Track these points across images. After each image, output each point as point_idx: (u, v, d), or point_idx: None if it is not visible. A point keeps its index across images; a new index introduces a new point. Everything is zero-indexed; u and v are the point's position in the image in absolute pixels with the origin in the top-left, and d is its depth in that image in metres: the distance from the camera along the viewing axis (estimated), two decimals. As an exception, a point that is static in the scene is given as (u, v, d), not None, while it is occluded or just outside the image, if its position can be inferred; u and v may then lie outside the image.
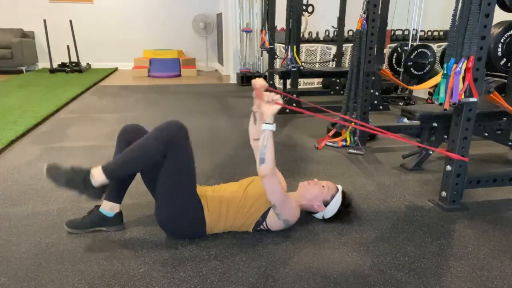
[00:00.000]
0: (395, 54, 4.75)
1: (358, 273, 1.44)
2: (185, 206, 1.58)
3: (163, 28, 8.25)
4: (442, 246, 1.63)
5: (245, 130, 3.42)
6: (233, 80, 6.68)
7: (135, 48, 8.09)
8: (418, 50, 4.15)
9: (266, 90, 1.57)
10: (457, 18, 1.75)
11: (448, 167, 1.95)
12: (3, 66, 6.87)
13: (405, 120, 3.27)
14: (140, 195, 2.01)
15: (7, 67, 6.90)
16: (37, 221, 1.78)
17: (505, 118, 2.51)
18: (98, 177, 1.48)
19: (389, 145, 3.09)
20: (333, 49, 5.73)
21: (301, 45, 4.94)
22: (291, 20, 4.17)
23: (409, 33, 5.55)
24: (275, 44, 5.30)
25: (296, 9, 4.09)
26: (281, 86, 5.30)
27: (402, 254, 1.57)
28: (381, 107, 4.29)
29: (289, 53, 4.20)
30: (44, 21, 7.01)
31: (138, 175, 1.69)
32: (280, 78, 4.95)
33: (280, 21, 5.15)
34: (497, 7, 1.90)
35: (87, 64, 7.84)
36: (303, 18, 4.79)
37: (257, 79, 1.60)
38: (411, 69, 4.19)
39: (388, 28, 4.42)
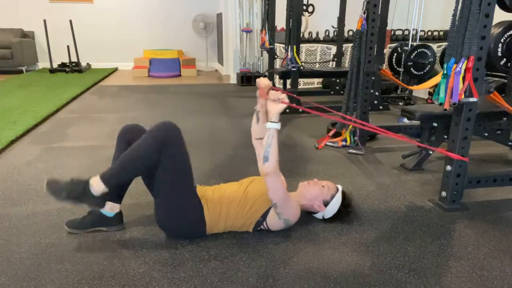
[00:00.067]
0: (395, 54, 4.75)
1: (358, 273, 1.44)
2: (184, 206, 1.58)
3: (163, 28, 8.25)
4: (442, 246, 1.63)
5: (245, 130, 3.44)
6: (233, 80, 6.68)
7: (135, 48, 8.09)
8: (418, 50, 4.15)
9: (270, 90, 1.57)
10: (457, 18, 1.75)
11: (448, 167, 1.95)
12: (3, 66, 6.87)
13: (405, 120, 3.27)
14: (140, 195, 2.01)
15: (7, 67, 6.90)
16: (37, 221, 1.78)
17: (505, 118, 2.51)
18: (97, 186, 1.51)
19: (389, 145, 3.09)
20: (333, 49, 5.73)
21: (301, 45, 4.94)
22: (291, 20, 4.17)
23: (409, 33, 5.55)
24: (275, 44, 5.30)
25: (296, 9, 4.10)
26: (281, 86, 5.30)
27: (402, 254, 1.57)
28: (381, 107, 4.29)
29: (289, 53, 4.20)
30: (44, 21, 7.01)
31: (138, 175, 1.69)
32: (280, 78, 4.95)
33: (280, 21, 5.15)
34: (497, 7, 1.90)
35: (87, 64, 7.84)
36: (303, 18, 4.79)
37: (261, 78, 1.62)
38: (411, 69, 4.19)
39: (388, 28, 4.42)
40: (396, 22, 5.30)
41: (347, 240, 1.67)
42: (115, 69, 8.13)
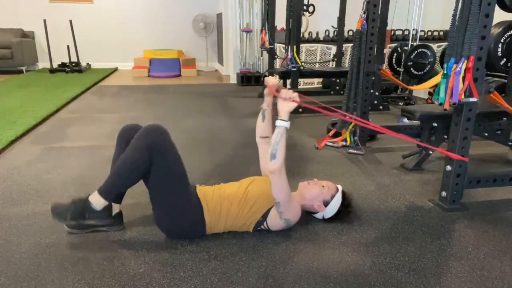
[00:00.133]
0: (395, 54, 4.75)
1: (358, 273, 1.44)
2: (183, 206, 1.58)
3: (163, 28, 8.25)
4: (442, 246, 1.63)
5: (245, 130, 3.44)
6: (233, 80, 6.68)
7: (135, 48, 8.09)
8: (418, 50, 4.15)
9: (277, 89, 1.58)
10: (457, 18, 1.75)
11: (448, 167, 1.95)
12: (3, 66, 6.87)
13: (405, 120, 3.27)
14: (140, 195, 2.01)
15: (7, 67, 6.90)
16: (37, 221, 1.78)
17: (505, 118, 2.51)
18: (97, 202, 1.56)
19: (389, 145, 3.09)
20: (333, 49, 5.73)
21: (301, 45, 4.94)
22: (291, 20, 4.18)
23: (409, 33, 5.55)
24: (275, 44, 5.30)
25: (296, 9, 4.10)
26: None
27: (402, 254, 1.57)
28: (381, 107, 4.28)
29: (289, 53, 4.21)
30: (44, 21, 7.01)
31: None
32: (280, 78, 4.95)
33: (280, 21, 5.16)
34: (497, 7, 1.90)
35: (87, 64, 7.84)
36: (304, 18, 4.79)
37: (270, 77, 1.63)
38: (411, 69, 4.19)
39: (388, 28, 4.42)
40: (396, 22, 5.30)
41: (347, 240, 1.67)
42: (115, 69, 8.14)
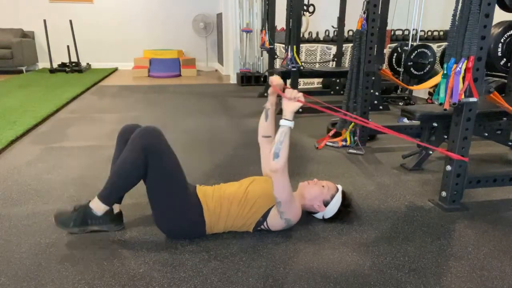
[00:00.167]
0: (395, 54, 4.75)
1: (358, 273, 1.44)
2: (183, 206, 1.58)
3: (163, 28, 8.25)
4: (442, 246, 1.63)
5: (245, 130, 3.44)
6: (233, 80, 6.68)
7: (135, 48, 8.09)
8: (418, 50, 4.15)
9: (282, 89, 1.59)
10: (457, 18, 1.75)
11: (448, 167, 1.95)
12: (3, 66, 6.87)
13: (405, 120, 3.27)
14: (140, 195, 2.01)
15: (7, 67, 6.90)
16: (37, 221, 1.78)
17: (505, 118, 2.51)
18: (98, 207, 1.58)
19: (389, 145, 3.09)
20: (333, 49, 5.73)
21: (301, 45, 4.94)
22: (291, 20, 4.17)
23: (409, 33, 5.55)
24: (275, 44, 5.30)
25: (296, 9, 4.09)
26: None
27: (402, 254, 1.57)
28: (381, 107, 4.29)
29: (289, 53, 4.20)
30: (44, 21, 7.01)
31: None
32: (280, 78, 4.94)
33: (280, 21, 5.16)
34: (497, 7, 1.90)
35: (87, 64, 7.84)
36: (304, 18, 4.79)
37: (274, 76, 1.65)
38: (411, 69, 4.19)
39: (388, 28, 4.42)
40: (396, 22, 5.30)
41: (347, 240, 1.67)
42: (115, 69, 8.14)
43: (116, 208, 1.69)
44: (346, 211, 1.79)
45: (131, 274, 1.41)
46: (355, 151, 2.87)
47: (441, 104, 1.82)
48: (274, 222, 1.64)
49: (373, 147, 3.03)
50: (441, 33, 6.19)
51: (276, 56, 5.32)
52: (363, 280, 1.40)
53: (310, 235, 1.70)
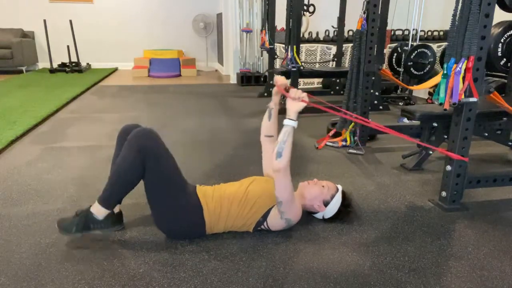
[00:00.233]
0: (395, 54, 4.75)
1: (358, 273, 1.44)
2: (181, 208, 1.58)
3: (163, 28, 8.25)
4: (442, 246, 1.63)
5: (245, 130, 3.44)
6: (233, 80, 6.68)
7: (135, 48, 8.09)
8: (418, 50, 4.15)
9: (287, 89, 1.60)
10: (457, 18, 1.75)
11: (448, 167, 1.95)
12: (3, 66, 6.87)
13: (405, 120, 3.27)
14: (140, 195, 2.00)
15: (7, 67, 6.90)
16: (37, 221, 1.78)
17: (505, 118, 2.51)
18: (99, 212, 1.58)
19: (389, 145, 3.09)
20: (333, 49, 5.73)
21: (301, 45, 4.94)
22: (291, 20, 4.17)
23: (409, 33, 5.55)
24: (275, 44, 5.30)
25: (296, 9, 4.09)
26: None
27: (402, 254, 1.57)
28: (381, 107, 4.29)
29: (289, 53, 4.20)
30: (44, 21, 7.01)
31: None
32: (280, 78, 4.94)
33: (280, 21, 5.15)
34: (497, 7, 1.90)
35: (87, 64, 7.84)
36: (304, 18, 4.79)
37: (279, 76, 1.65)
38: (411, 69, 4.19)
39: (388, 28, 4.42)
40: (396, 22, 5.30)
41: (347, 240, 1.67)
42: (115, 69, 8.14)
43: (116, 208, 1.69)
44: (346, 211, 1.79)
45: (131, 274, 1.41)
46: (355, 151, 2.87)
47: (441, 104, 1.82)
48: (275, 222, 1.64)
49: (373, 147, 3.03)
50: (441, 33, 6.19)
51: (276, 56, 5.32)
52: (363, 280, 1.40)
53: (310, 235, 1.70)
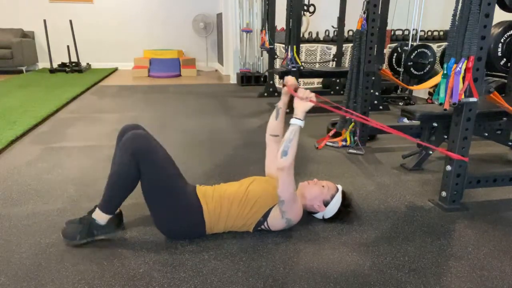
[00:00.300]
0: (395, 54, 4.75)
1: (358, 273, 1.44)
2: (180, 208, 1.58)
3: (163, 28, 8.25)
4: (442, 246, 1.63)
5: (245, 130, 3.44)
6: (233, 80, 6.68)
7: (135, 48, 8.09)
8: (418, 50, 4.15)
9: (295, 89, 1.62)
10: (457, 18, 1.75)
11: (448, 167, 1.95)
12: (3, 66, 6.87)
13: (405, 120, 3.27)
14: (140, 195, 1.99)
15: (7, 67, 6.90)
16: (37, 221, 1.78)
17: (505, 118, 2.51)
18: (101, 217, 1.58)
19: (389, 145, 3.09)
20: (333, 49, 5.74)
21: (301, 45, 4.94)
22: (291, 20, 4.17)
23: (409, 33, 5.55)
24: (275, 44, 5.30)
25: (296, 9, 4.09)
26: (281, 86, 5.30)
27: (402, 254, 1.57)
28: (381, 107, 4.29)
29: (289, 53, 4.20)
30: (44, 21, 7.01)
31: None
32: (280, 78, 4.95)
33: (280, 21, 5.15)
34: (497, 7, 1.90)
35: (87, 64, 7.84)
36: (304, 18, 4.79)
37: (289, 77, 1.68)
38: (411, 69, 4.19)
39: (388, 28, 4.42)
40: (396, 22, 5.30)
41: (347, 240, 1.67)
42: (115, 69, 8.13)
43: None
44: (346, 211, 1.79)
45: (131, 274, 1.41)
46: (355, 151, 2.87)
47: (441, 104, 1.82)
48: (275, 222, 1.64)
49: (373, 147, 3.03)
50: (441, 33, 6.19)
51: (276, 56, 5.32)
52: (363, 280, 1.40)
53: (310, 235, 1.70)
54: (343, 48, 5.35)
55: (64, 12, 7.72)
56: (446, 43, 1.87)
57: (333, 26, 5.64)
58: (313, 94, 1.55)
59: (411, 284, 1.38)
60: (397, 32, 6.05)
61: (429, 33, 6.18)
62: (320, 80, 5.99)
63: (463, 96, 1.76)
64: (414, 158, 2.58)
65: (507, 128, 2.76)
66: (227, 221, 1.63)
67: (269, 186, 1.67)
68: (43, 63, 7.80)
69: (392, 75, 2.94)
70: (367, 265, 1.48)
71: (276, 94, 5.20)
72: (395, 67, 4.78)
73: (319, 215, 1.79)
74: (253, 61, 6.43)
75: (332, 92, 5.27)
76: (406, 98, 4.79)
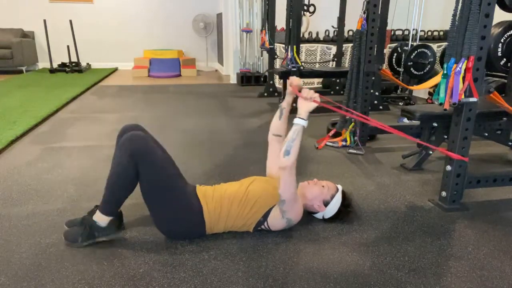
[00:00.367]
0: (395, 54, 4.75)
1: (358, 273, 1.44)
2: (179, 208, 1.58)
3: (163, 28, 8.25)
4: (442, 246, 1.63)
5: (245, 130, 3.44)
6: (233, 80, 6.68)
7: (135, 48, 8.09)
8: (418, 50, 4.15)
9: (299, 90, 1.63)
10: (457, 18, 1.75)
11: (448, 167, 1.95)
12: (3, 66, 6.87)
13: (405, 120, 3.27)
14: (140, 195, 2.00)
15: (7, 67, 6.90)
16: (37, 221, 1.78)
17: (505, 118, 2.51)
18: (102, 219, 1.58)
19: (389, 145, 3.09)
20: (333, 49, 5.74)
21: (301, 45, 4.94)
22: (291, 20, 4.17)
23: (409, 33, 5.55)
24: (275, 44, 5.30)
25: (296, 9, 4.09)
26: (281, 86, 5.31)
27: (402, 254, 1.57)
28: (381, 107, 4.29)
29: (289, 53, 4.20)
30: (44, 21, 7.01)
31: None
32: (280, 78, 4.95)
33: (280, 21, 5.15)
34: (497, 7, 1.90)
35: (87, 64, 7.84)
36: (304, 18, 4.79)
37: (294, 77, 1.69)
38: (411, 69, 4.19)
39: (388, 28, 4.41)
40: (396, 22, 5.30)
41: (347, 240, 1.67)
42: (115, 69, 8.13)
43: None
44: (346, 211, 1.79)
45: (131, 274, 1.41)
46: (355, 151, 2.87)
47: (441, 104, 1.82)
48: (275, 222, 1.64)
49: (373, 147, 3.03)
50: (441, 33, 6.19)
51: (276, 56, 5.32)
52: (363, 280, 1.40)
53: (310, 235, 1.70)
54: (343, 48, 5.34)
55: (64, 12, 7.72)
56: (446, 43, 1.87)
57: (333, 26, 5.64)
58: (317, 95, 1.56)
59: (411, 284, 1.38)
60: (397, 32, 6.05)
61: (429, 33, 6.18)
62: (320, 80, 5.99)
63: (463, 96, 1.76)
64: (414, 158, 2.58)
65: (507, 128, 2.75)
66: (227, 221, 1.63)
67: (269, 186, 1.67)
68: (43, 63, 7.80)
69: (392, 75, 2.94)
70: (367, 265, 1.48)
71: (276, 94, 5.20)
72: (395, 67, 4.77)
73: (319, 215, 1.79)
74: (253, 61, 6.43)
75: (332, 92, 5.27)
76: (406, 98, 4.79)
